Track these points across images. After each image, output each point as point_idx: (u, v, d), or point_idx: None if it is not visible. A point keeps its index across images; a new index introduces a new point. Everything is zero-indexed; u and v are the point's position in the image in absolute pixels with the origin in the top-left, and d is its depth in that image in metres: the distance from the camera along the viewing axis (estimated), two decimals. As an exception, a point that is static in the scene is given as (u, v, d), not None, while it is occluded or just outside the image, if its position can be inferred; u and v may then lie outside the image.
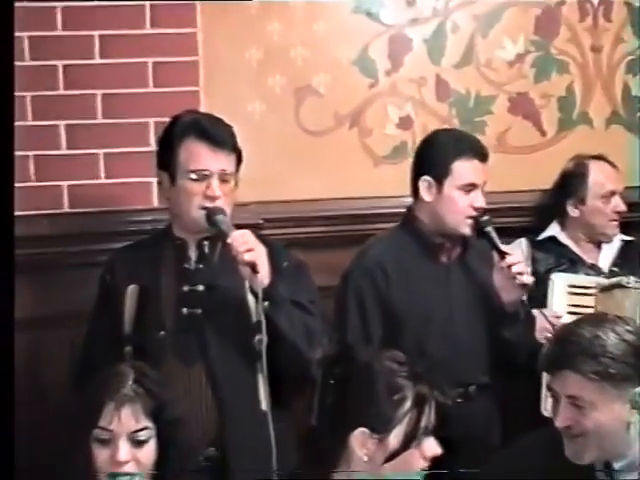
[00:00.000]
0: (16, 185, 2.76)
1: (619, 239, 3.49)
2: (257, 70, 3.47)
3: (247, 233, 2.60)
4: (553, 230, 3.48)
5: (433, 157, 2.96)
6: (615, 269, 3.40)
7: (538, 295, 3.23)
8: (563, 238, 3.46)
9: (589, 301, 3.17)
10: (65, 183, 3.23)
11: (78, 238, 3.17)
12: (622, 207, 3.41)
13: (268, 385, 2.52)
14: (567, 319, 3.03)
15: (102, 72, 3.23)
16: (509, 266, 2.84)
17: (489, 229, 2.90)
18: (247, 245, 2.56)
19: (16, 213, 2.46)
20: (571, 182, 3.44)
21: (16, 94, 2.95)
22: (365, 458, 2.13)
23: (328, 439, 2.17)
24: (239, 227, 2.93)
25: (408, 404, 2.14)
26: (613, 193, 3.41)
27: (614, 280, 3.19)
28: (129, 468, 2.13)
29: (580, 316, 2.67)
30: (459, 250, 2.99)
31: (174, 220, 2.75)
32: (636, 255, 3.45)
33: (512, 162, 3.65)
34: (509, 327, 2.90)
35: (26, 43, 3.18)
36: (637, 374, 2.19)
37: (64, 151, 3.22)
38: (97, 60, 3.22)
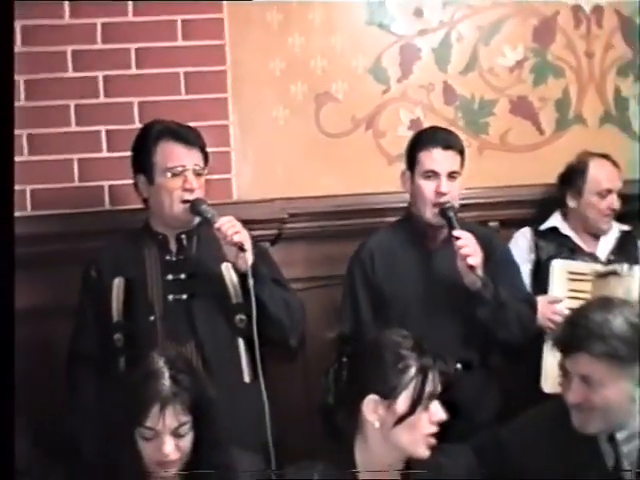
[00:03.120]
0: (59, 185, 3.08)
1: (618, 229, 3.45)
2: (280, 78, 3.52)
3: (232, 218, 2.74)
4: (555, 221, 3.46)
5: (408, 152, 3.05)
6: (612, 257, 3.38)
7: (541, 281, 3.26)
8: (565, 228, 3.43)
9: (586, 286, 3.17)
10: (106, 183, 3.34)
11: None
12: (616, 205, 3.38)
13: (250, 358, 2.72)
14: (566, 303, 3.13)
15: (139, 81, 3.32)
16: (459, 248, 2.84)
17: (451, 214, 2.91)
18: (235, 228, 2.72)
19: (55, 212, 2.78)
20: (572, 176, 3.43)
21: (59, 102, 3.20)
22: (377, 424, 2.20)
23: (344, 412, 2.24)
24: (266, 222, 3.24)
25: (412, 371, 2.20)
26: (609, 191, 3.39)
27: (609, 268, 3.22)
28: (173, 456, 2.26)
29: (588, 300, 2.73)
30: (445, 235, 2.98)
31: (154, 217, 2.88)
32: (632, 245, 3.44)
33: (513, 159, 3.67)
34: (478, 307, 2.87)
35: (69, 54, 3.30)
36: (642, 355, 2.21)
37: (104, 154, 3.34)
38: (134, 71, 3.33)
